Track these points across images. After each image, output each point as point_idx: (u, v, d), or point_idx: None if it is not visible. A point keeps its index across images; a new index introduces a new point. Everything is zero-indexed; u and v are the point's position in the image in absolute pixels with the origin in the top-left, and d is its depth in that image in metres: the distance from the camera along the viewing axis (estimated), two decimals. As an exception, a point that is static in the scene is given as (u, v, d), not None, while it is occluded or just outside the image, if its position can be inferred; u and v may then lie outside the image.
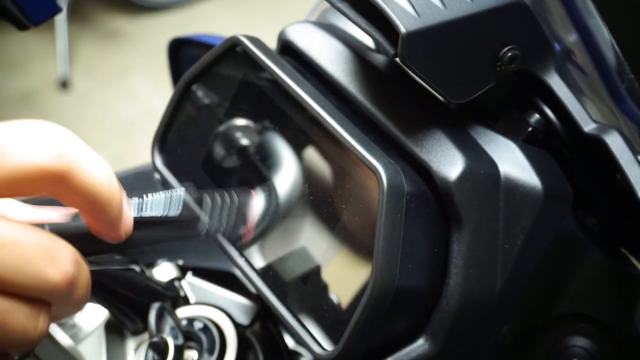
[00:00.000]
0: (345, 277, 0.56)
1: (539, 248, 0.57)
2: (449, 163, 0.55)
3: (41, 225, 0.41)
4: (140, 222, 0.45)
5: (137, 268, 0.77)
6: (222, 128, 0.65)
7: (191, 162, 0.66)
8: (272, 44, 0.67)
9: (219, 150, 0.65)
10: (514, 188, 0.56)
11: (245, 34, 0.63)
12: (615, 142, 0.57)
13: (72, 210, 0.43)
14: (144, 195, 0.47)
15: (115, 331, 0.75)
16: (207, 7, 3.10)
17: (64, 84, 2.76)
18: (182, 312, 0.74)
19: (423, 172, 0.56)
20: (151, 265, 0.81)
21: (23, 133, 0.38)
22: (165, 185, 0.67)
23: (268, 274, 0.60)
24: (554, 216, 0.57)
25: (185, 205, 0.48)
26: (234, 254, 0.62)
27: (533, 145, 0.59)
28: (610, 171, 0.58)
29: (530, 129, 0.60)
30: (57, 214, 0.43)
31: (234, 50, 0.63)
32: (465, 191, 0.54)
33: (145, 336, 0.74)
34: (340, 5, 0.56)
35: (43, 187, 0.39)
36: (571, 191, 0.59)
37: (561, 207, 0.58)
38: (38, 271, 0.38)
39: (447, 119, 0.59)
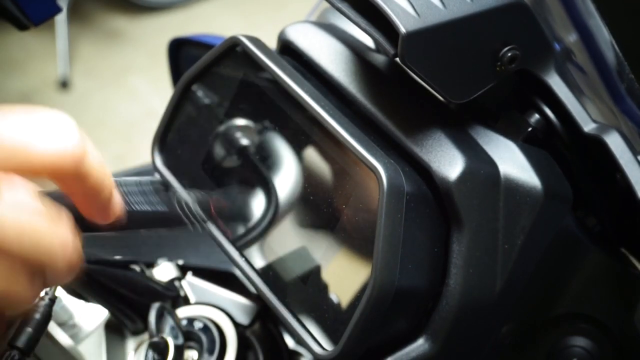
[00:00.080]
0: (345, 277, 0.56)
1: (539, 248, 0.57)
2: (449, 163, 0.55)
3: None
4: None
5: (137, 268, 0.77)
6: (222, 128, 0.65)
7: (191, 162, 0.66)
8: (272, 44, 0.67)
9: (219, 150, 0.65)
10: (514, 188, 0.56)
11: (245, 34, 0.63)
12: (615, 142, 0.57)
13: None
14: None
15: (115, 331, 0.75)
16: (207, 7, 3.10)
17: (64, 84, 2.76)
18: (182, 312, 0.74)
19: (423, 172, 0.56)
20: (151, 265, 0.81)
21: (40, 123, 0.41)
22: (165, 185, 0.67)
23: (268, 274, 0.60)
24: (554, 216, 0.57)
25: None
26: (234, 254, 0.62)
27: (533, 145, 0.59)
28: (610, 171, 0.58)
29: (530, 129, 0.60)
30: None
31: (234, 50, 0.63)
32: (465, 191, 0.54)
33: (145, 336, 0.74)
34: (340, 5, 0.56)
35: (53, 176, 0.41)
36: (571, 191, 0.59)
37: (561, 207, 0.58)
38: (38, 239, 0.40)
39: (447, 119, 0.59)
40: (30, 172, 0.41)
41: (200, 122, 0.66)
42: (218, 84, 0.65)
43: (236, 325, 0.73)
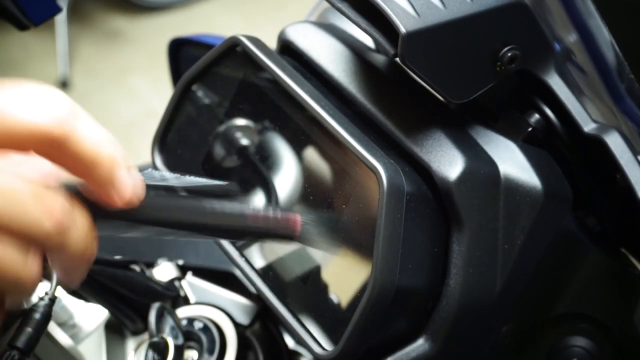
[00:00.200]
0: (345, 277, 0.56)
1: (539, 248, 0.57)
2: (449, 163, 0.55)
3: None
4: (158, 192, 0.45)
5: (137, 268, 0.77)
6: (222, 128, 0.65)
7: (191, 162, 0.66)
8: (272, 44, 0.67)
9: (219, 150, 0.65)
10: (514, 188, 0.56)
11: (245, 34, 0.63)
12: (615, 142, 0.57)
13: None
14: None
15: (115, 331, 0.75)
16: (207, 7, 3.10)
17: (64, 84, 2.76)
18: (182, 312, 0.74)
19: (423, 172, 0.56)
20: (151, 265, 0.81)
21: (26, 95, 0.40)
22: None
23: (268, 274, 0.60)
24: (554, 216, 0.57)
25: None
26: (234, 254, 0.62)
27: (533, 145, 0.59)
28: (610, 171, 0.58)
29: (530, 129, 0.60)
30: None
31: (234, 50, 0.63)
32: (465, 191, 0.54)
33: (145, 336, 0.74)
34: (340, 5, 0.56)
35: (40, 149, 0.41)
36: (571, 191, 0.59)
37: (561, 207, 0.58)
38: (29, 215, 0.39)
39: (447, 119, 0.59)
40: (16, 142, 0.40)
41: (200, 122, 0.66)
42: (218, 84, 0.65)
43: (236, 325, 0.73)
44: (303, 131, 0.60)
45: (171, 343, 0.67)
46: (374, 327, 0.53)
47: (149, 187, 0.44)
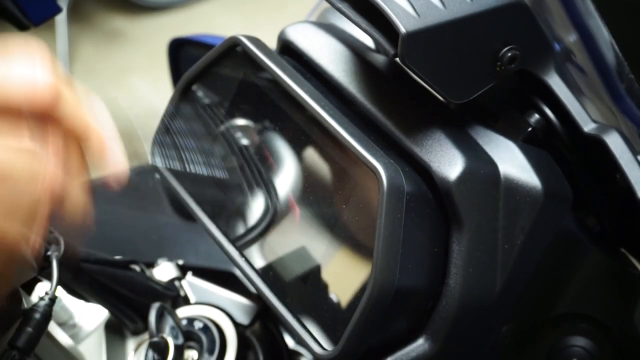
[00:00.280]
0: (345, 277, 0.56)
1: (539, 248, 0.57)
2: (449, 163, 0.55)
3: None
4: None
5: (137, 268, 0.77)
6: (222, 128, 0.65)
7: (191, 163, 0.66)
8: (272, 44, 0.67)
9: (219, 150, 0.65)
10: (513, 188, 0.56)
11: (245, 34, 0.63)
12: (615, 142, 0.57)
13: None
14: None
15: (115, 331, 0.75)
16: (207, 7, 3.10)
17: (64, 84, 2.76)
18: (182, 312, 0.74)
19: (423, 172, 0.56)
20: (151, 265, 0.81)
21: (17, 63, 0.41)
22: (166, 185, 0.68)
23: (268, 274, 0.60)
24: (553, 216, 0.57)
25: None
26: (234, 254, 0.62)
27: (533, 145, 0.59)
28: (610, 171, 0.58)
29: (530, 129, 0.60)
30: None
31: (234, 50, 0.63)
32: (465, 191, 0.54)
33: (145, 336, 0.74)
34: (340, 5, 0.56)
35: (31, 116, 0.41)
36: (571, 191, 0.59)
37: (561, 207, 0.58)
38: (23, 185, 0.40)
39: (447, 119, 0.59)
40: (5, 108, 0.40)
41: (200, 122, 0.66)
42: (218, 84, 0.65)
43: (236, 325, 0.73)
44: (303, 131, 0.60)
45: (171, 343, 0.67)
46: (374, 327, 0.53)
47: None
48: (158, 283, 0.76)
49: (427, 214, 0.55)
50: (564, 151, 0.61)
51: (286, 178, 0.61)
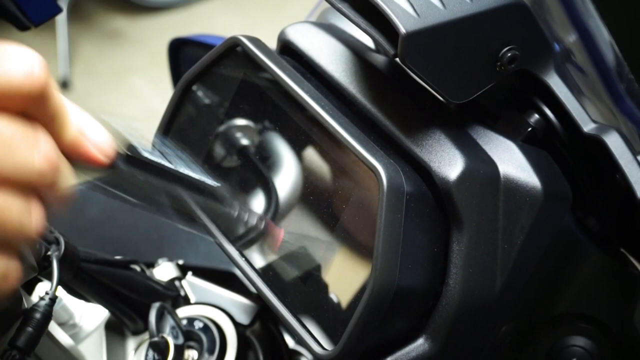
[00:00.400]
0: (345, 277, 0.56)
1: (539, 248, 0.57)
2: (449, 163, 0.55)
3: None
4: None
5: (137, 268, 0.77)
6: (222, 128, 0.65)
7: (191, 162, 0.66)
8: (272, 44, 0.67)
9: (219, 150, 0.65)
10: (513, 188, 0.56)
11: (245, 34, 0.63)
12: (614, 142, 0.57)
13: None
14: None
15: (115, 331, 0.75)
16: (207, 7, 3.10)
17: (64, 84, 2.76)
18: (183, 312, 0.74)
19: (423, 172, 0.56)
20: (151, 265, 0.81)
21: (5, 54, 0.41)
22: None
23: (268, 273, 0.60)
24: (553, 216, 0.57)
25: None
26: (234, 254, 0.62)
27: (533, 145, 0.59)
28: (610, 171, 0.58)
29: (529, 129, 0.60)
30: None
31: (234, 50, 0.63)
32: (465, 191, 0.54)
33: (145, 336, 0.74)
34: (340, 5, 0.56)
35: (16, 104, 0.41)
36: (571, 191, 0.59)
37: (561, 207, 0.58)
38: (22, 156, 0.40)
39: (447, 119, 0.59)
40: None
41: (200, 122, 0.66)
42: (218, 84, 0.65)
43: (236, 325, 0.73)
44: (303, 131, 0.60)
45: (171, 343, 0.67)
46: (374, 327, 0.53)
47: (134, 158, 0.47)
48: (158, 283, 0.76)
49: (427, 214, 0.55)
50: (564, 151, 0.61)
51: (286, 178, 0.61)
